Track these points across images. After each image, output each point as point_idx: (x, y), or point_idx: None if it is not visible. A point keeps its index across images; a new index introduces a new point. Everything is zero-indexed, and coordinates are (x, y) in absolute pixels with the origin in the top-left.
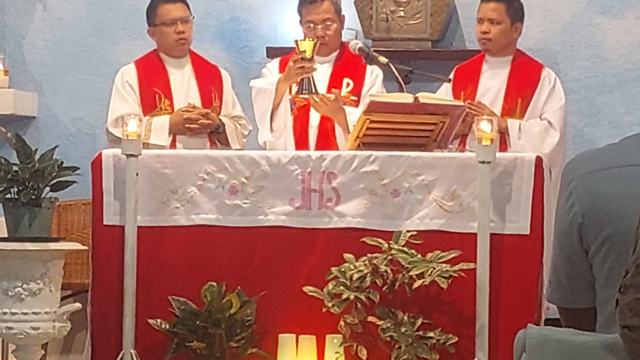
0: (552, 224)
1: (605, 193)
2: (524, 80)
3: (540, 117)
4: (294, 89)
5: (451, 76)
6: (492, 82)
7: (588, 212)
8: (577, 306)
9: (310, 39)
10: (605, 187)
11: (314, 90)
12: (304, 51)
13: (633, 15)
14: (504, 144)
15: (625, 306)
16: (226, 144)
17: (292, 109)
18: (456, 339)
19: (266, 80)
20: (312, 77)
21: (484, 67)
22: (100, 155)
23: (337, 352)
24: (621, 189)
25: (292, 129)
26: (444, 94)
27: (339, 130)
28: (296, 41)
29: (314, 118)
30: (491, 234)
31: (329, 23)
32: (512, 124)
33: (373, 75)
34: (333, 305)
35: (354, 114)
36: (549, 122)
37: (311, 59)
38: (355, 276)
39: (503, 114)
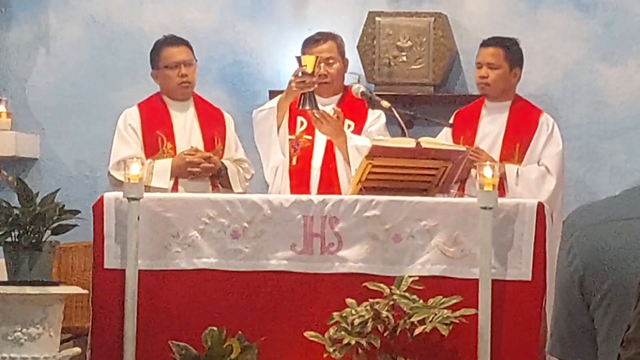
0: (553, 270)
1: (607, 246)
2: (522, 126)
3: (538, 162)
4: (298, 130)
5: (451, 121)
6: (491, 127)
7: (589, 265)
8: None
9: (312, 55)
10: (606, 240)
11: (314, 105)
12: (305, 66)
13: (634, 63)
14: (501, 189)
15: None
16: (228, 188)
17: (295, 149)
18: None
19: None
20: (313, 92)
21: (483, 112)
22: (101, 198)
23: None
24: (622, 242)
25: (294, 170)
26: (443, 138)
27: (341, 172)
28: (297, 57)
29: (317, 159)
30: (493, 280)
31: (331, 62)
32: (510, 169)
33: (375, 115)
34: (334, 351)
35: (354, 140)
36: (546, 167)
37: (312, 74)
38: (357, 321)
39: (501, 159)
